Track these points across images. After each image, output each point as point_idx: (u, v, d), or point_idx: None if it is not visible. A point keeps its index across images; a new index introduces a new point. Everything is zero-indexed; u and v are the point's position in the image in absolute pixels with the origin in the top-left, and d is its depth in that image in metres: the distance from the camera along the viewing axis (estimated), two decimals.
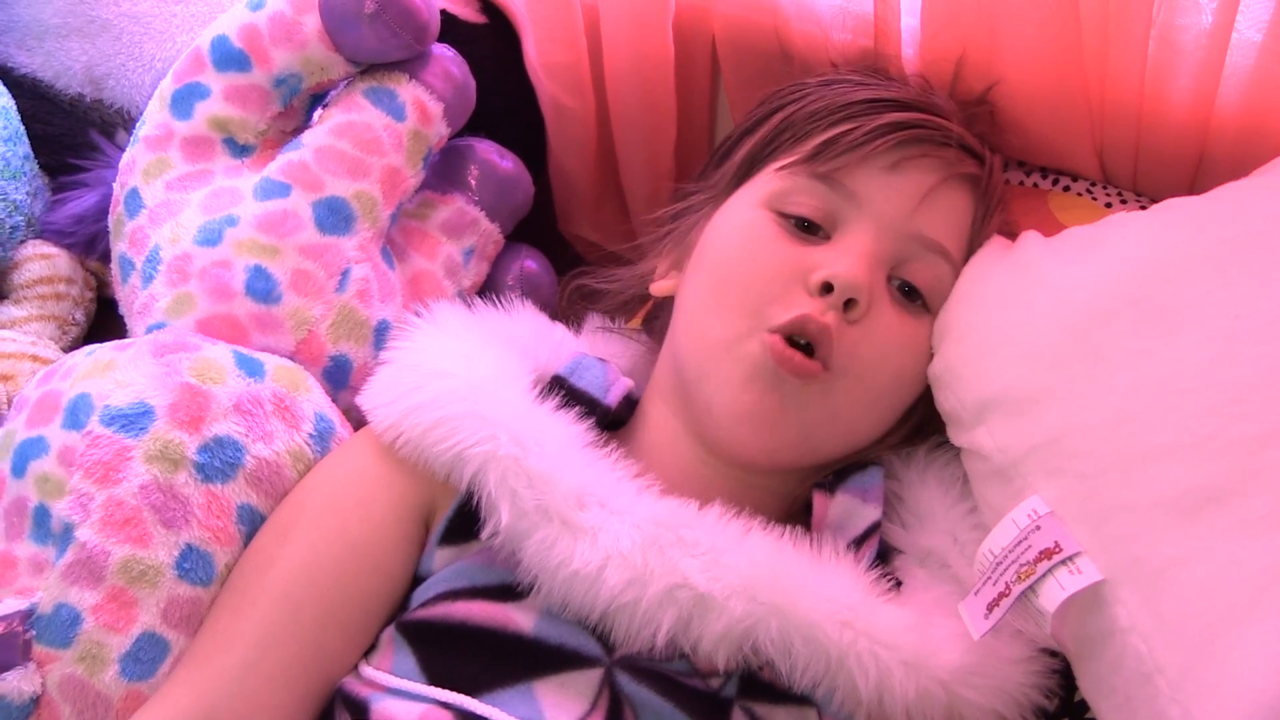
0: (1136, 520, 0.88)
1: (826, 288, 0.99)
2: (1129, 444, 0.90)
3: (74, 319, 1.34)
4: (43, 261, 1.33)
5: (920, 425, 1.08)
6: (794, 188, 1.05)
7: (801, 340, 0.99)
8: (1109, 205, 1.17)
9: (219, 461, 1.00)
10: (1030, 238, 1.07)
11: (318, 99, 1.24)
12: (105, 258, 1.27)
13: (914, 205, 1.04)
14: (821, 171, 1.04)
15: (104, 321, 1.33)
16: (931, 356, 1.05)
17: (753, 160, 1.10)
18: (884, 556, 1.04)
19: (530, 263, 1.31)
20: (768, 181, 1.07)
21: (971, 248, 1.07)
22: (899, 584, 1.01)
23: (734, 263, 1.05)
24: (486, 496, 0.96)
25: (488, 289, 1.28)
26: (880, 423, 1.06)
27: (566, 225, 1.43)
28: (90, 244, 1.33)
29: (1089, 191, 1.18)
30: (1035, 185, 1.20)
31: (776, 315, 0.99)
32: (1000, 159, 1.11)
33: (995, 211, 1.09)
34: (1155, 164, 1.14)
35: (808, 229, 1.04)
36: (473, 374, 1.01)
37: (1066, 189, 1.19)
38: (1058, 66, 1.11)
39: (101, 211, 1.28)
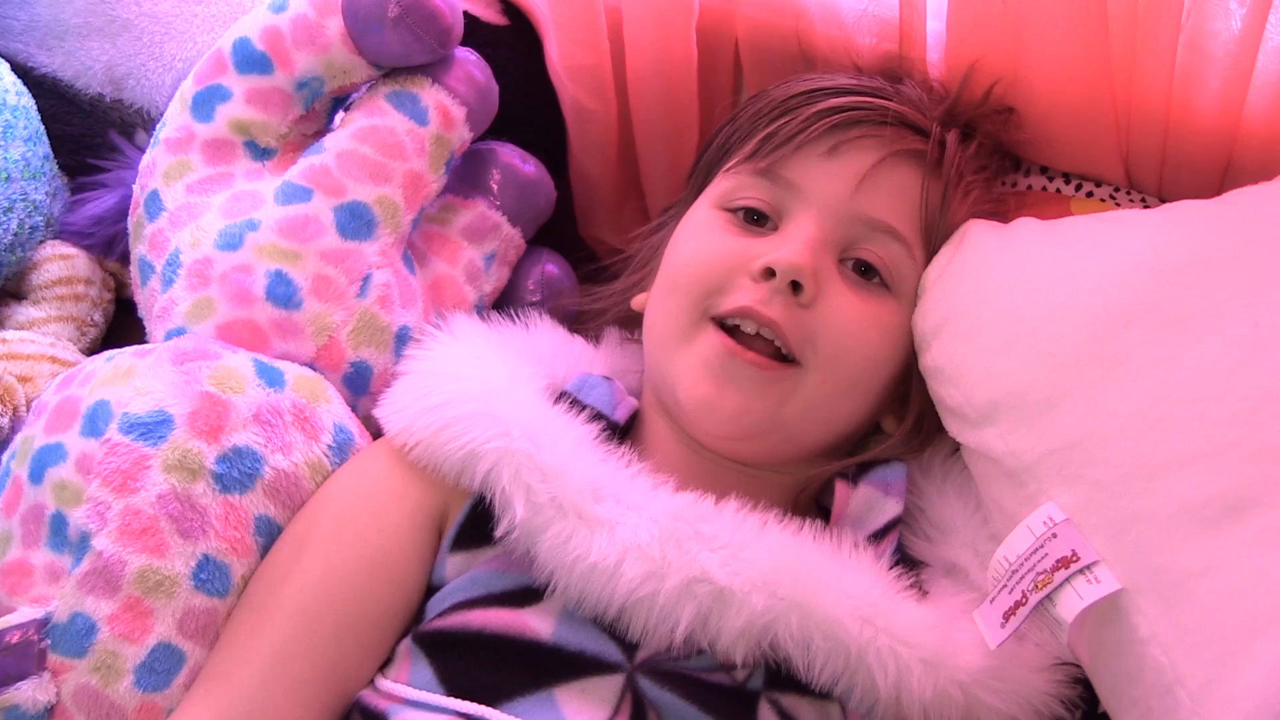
0: (1156, 529, 0.88)
1: (768, 273, 1.00)
2: (1149, 451, 0.90)
3: (92, 320, 1.33)
4: (62, 262, 1.32)
5: (922, 419, 1.07)
6: (739, 185, 1.08)
7: (752, 331, 1.00)
8: None
9: (237, 472, 0.99)
10: (1027, 224, 1.07)
11: (340, 102, 1.24)
12: (124, 259, 1.27)
13: (854, 187, 1.05)
14: (762, 167, 1.06)
15: (122, 323, 1.33)
16: (908, 337, 1.05)
17: (709, 167, 1.14)
18: (909, 567, 1.03)
19: (552, 267, 1.30)
20: (716, 184, 1.10)
21: (930, 226, 1.07)
22: (924, 593, 1.00)
23: (682, 258, 1.08)
24: (500, 493, 0.96)
25: (509, 293, 1.28)
26: (861, 407, 1.06)
27: (587, 228, 1.42)
28: (109, 245, 1.33)
29: (1113, 198, 1.17)
30: (1058, 191, 1.19)
31: (720, 304, 1.01)
32: (957, 134, 1.10)
33: (958, 190, 1.09)
34: (1182, 170, 1.13)
35: (756, 221, 1.06)
36: (486, 377, 1.01)
37: (1090, 194, 1.18)
38: (1084, 71, 1.11)
39: (120, 212, 1.27)
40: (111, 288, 1.37)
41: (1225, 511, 0.85)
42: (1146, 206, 1.15)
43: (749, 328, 1.01)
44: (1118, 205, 1.16)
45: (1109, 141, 1.14)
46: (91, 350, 1.31)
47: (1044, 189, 1.20)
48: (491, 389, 1.00)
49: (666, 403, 1.06)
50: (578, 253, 1.35)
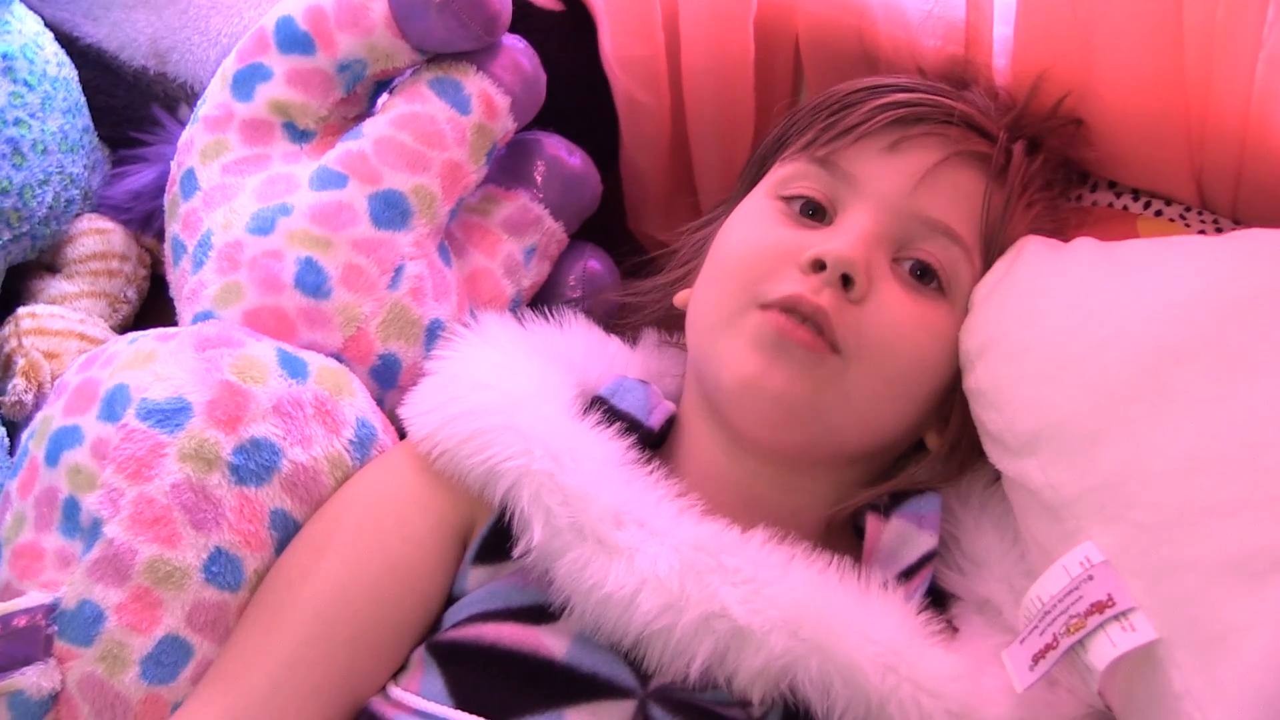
0: (1197, 579, 0.84)
1: (818, 265, 0.98)
2: (1195, 496, 0.86)
3: (126, 296, 1.32)
4: (97, 236, 1.31)
5: (960, 439, 1.04)
6: (795, 173, 1.06)
7: (800, 319, 0.97)
8: (1203, 234, 1.12)
9: (254, 464, 0.98)
10: (1085, 246, 1.03)
11: (383, 86, 1.21)
12: (161, 235, 1.25)
13: (914, 184, 1.02)
14: (819, 155, 1.04)
15: (156, 300, 1.31)
16: (955, 346, 1.02)
17: (763, 159, 1.12)
18: (941, 601, 1.01)
19: (594, 263, 1.28)
20: (772, 173, 1.08)
21: (990, 235, 1.04)
22: (955, 630, 0.98)
23: (733, 246, 1.06)
24: (519, 513, 0.94)
25: (549, 289, 1.26)
26: (904, 412, 1.03)
27: (637, 224, 1.40)
28: (146, 221, 1.31)
29: (1182, 218, 1.13)
30: (1125, 208, 1.16)
31: (768, 293, 0.99)
32: (1024, 145, 1.07)
33: (1020, 201, 1.06)
34: (1258, 192, 1.09)
35: (812, 214, 1.04)
36: (512, 387, 0.99)
37: (1159, 213, 1.14)
38: (1156, 84, 1.07)
39: (159, 188, 1.26)
40: (147, 264, 1.35)
41: (1272, 566, 0.82)
42: (1219, 228, 1.11)
43: (796, 317, 0.98)
44: (1187, 226, 1.13)
45: (1180, 159, 1.11)
46: (124, 327, 1.30)
47: (1110, 206, 1.16)
48: (517, 401, 0.98)
49: (709, 391, 1.04)
50: (624, 247, 1.32)
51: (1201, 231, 1.12)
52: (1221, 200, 1.12)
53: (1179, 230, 1.13)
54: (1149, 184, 1.15)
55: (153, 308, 1.34)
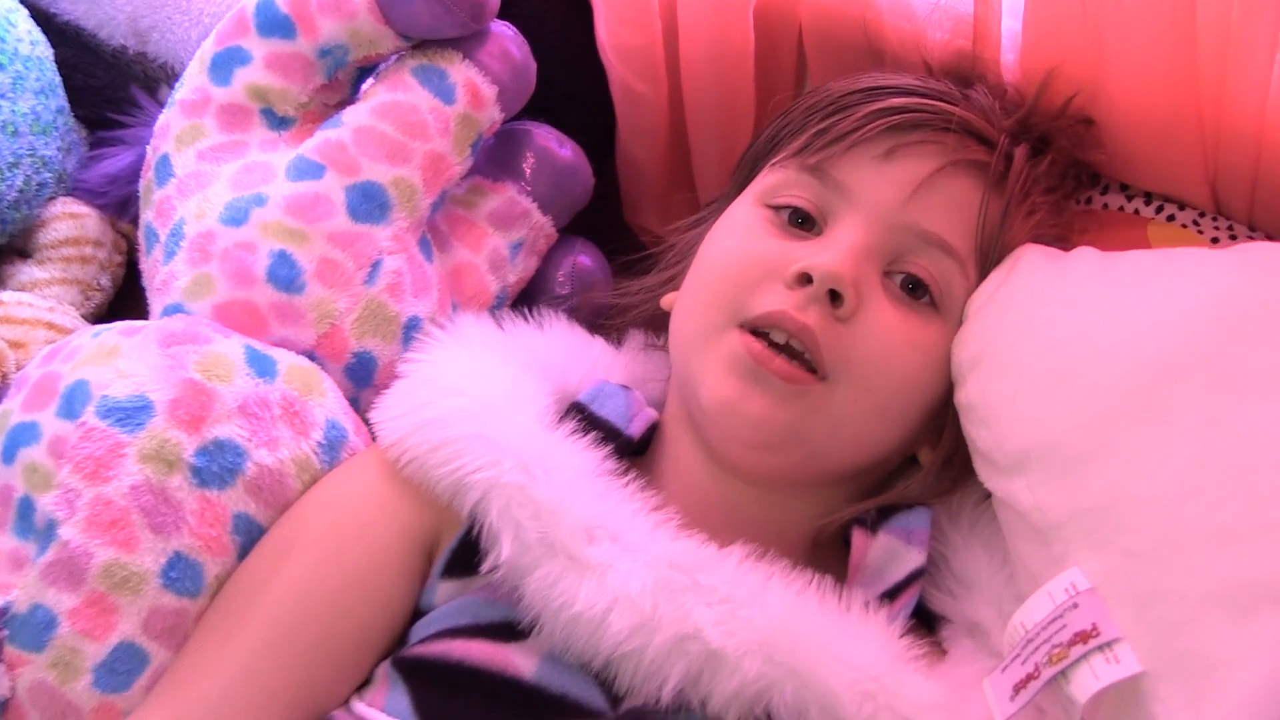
0: (1186, 610, 0.82)
1: (804, 279, 0.95)
2: (1186, 523, 0.84)
3: (99, 284, 1.29)
4: (71, 221, 1.28)
5: (954, 455, 1.01)
6: (785, 181, 1.03)
7: (782, 340, 0.95)
8: (1215, 241, 1.09)
9: (217, 466, 0.95)
10: (1085, 256, 1.00)
11: (366, 71, 1.19)
12: (138, 221, 1.23)
13: (908, 195, 0.99)
14: (811, 163, 1.01)
15: (133, 288, 1.28)
16: (947, 362, 1.00)
17: (755, 160, 1.09)
18: (929, 623, 0.99)
19: (585, 258, 1.24)
20: (761, 178, 1.05)
21: (987, 246, 1.01)
22: (944, 652, 0.96)
23: (715, 257, 1.03)
24: (488, 527, 0.92)
25: (537, 284, 1.23)
26: (893, 432, 1.00)
27: (633, 216, 1.38)
28: (123, 206, 1.28)
29: (1195, 223, 1.10)
30: (1136, 212, 1.12)
31: (751, 308, 0.96)
32: (1026, 149, 1.04)
33: (1020, 208, 1.03)
34: (1275, 197, 1.06)
35: (801, 224, 1.01)
36: (485, 394, 0.97)
37: (1171, 218, 1.11)
38: (1168, 83, 1.04)
39: (136, 172, 1.23)
40: (123, 250, 1.32)
41: (1262, 599, 0.80)
42: (1234, 235, 1.09)
43: (779, 337, 0.96)
44: (1200, 233, 1.09)
45: (1193, 161, 1.08)
46: (97, 316, 1.28)
47: (1121, 209, 1.13)
48: (489, 409, 0.95)
49: (689, 407, 1.01)
50: (618, 242, 1.29)
51: (1215, 238, 1.09)
52: (1237, 205, 1.09)
53: (1191, 236, 1.10)
54: (1161, 187, 1.12)
55: (129, 296, 1.31)
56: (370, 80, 1.17)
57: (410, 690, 0.91)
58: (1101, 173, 1.14)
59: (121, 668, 0.92)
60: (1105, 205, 1.13)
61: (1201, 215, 1.10)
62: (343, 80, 1.17)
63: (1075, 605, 0.85)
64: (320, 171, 1.08)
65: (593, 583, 0.88)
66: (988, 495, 0.99)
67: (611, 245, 1.28)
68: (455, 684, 0.91)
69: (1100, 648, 0.83)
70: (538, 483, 0.91)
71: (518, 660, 0.90)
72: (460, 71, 1.13)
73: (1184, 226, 1.10)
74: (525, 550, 0.90)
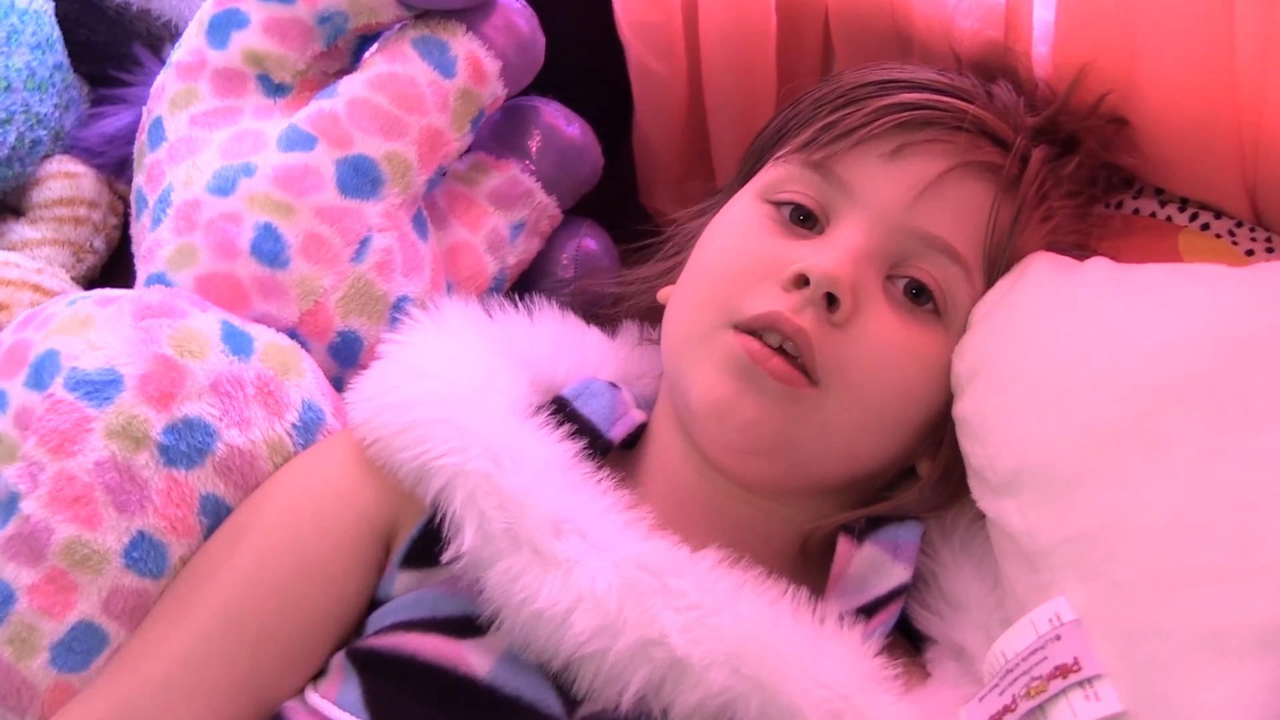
0: (1171, 650, 0.80)
1: (801, 281, 0.92)
2: (1177, 558, 0.82)
3: (92, 246, 1.26)
4: (66, 180, 1.25)
5: (951, 469, 0.98)
6: (787, 177, 1.00)
7: (776, 343, 0.92)
8: (1250, 254, 1.05)
9: (186, 445, 0.93)
10: (1098, 267, 0.97)
11: (369, 40, 1.16)
12: None
13: (914, 196, 0.96)
14: (815, 159, 0.98)
15: (127, 253, 1.25)
16: (948, 371, 0.97)
17: (759, 153, 1.06)
18: (917, 640, 0.96)
19: (590, 241, 1.22)
20: (765, 172, 1.03)
21: (995, 253, 0.98)
22: (928, 674, 0.93)
23: (711, 254, 1.01)
24: (451, 515, 0.89)
25: (540, 266, 1.20)
26: (888, 444, 0.97)
27: (648, 198, 1.35)
28: (121, 166, 1.25)
29: (1231, 234, 1.06)
30: (1169, 219, 1.08)
31: (745, 309, 0.94)
32: (1045, 151, 1.01)
33: (1034, 214, 1.00)
34: None
35: (803, 222, 0.98)
36: (458, 379, 0.94)
37: (1205, 227, 1.07)
38: (1204, 86, 1.00)
39: (135, 133, 1.21)
40: (119, 212, 1.29)
41: (1251, 644, 0.77)
42: (1270, 248, 1.05)
43: (773, 340, 0.93)
44: (1235, 244, 1.06)
45: (1230, 168, 1.04)
46: (89, 279, 1.26)
47: (1153, 215, 1.09)
48: (460, 395, 0.93)
49: (678, 408, 0.99)
50: (629, 225, 1.25)
51: (1250, 250, 1.05)
52: (1276, 216, 1.05)
53: (1224, 248, 1.06)
54: (1196, 193, 1.09)
55: (123, 260, 1.29)
56: (371, 49, 1.15)
57: (362, 683, 0.89)
58: (1134, 176, 1.10)
59: (79, 647, 0.91)
60: (1136, 210, 1.10)
61: (1238, 225, 1.07)
62: (342, 48, 1.15)
63: (1058, 637, 0.83)
64: (311, 143, 1.05)
65: (557, 579, 0.85)
66: (981, 514, 0.96)
67: (622, 229, 1.25)
68: (407, 679, 0.89)
69: (1080, 684, 0.81)
70: (505, 471, 0.89)
71: (472, 658, 0.88)
72: (462, 44, 1.10)
73: (1218, 236, 1.07)
74: (488, 541, 0.87)
